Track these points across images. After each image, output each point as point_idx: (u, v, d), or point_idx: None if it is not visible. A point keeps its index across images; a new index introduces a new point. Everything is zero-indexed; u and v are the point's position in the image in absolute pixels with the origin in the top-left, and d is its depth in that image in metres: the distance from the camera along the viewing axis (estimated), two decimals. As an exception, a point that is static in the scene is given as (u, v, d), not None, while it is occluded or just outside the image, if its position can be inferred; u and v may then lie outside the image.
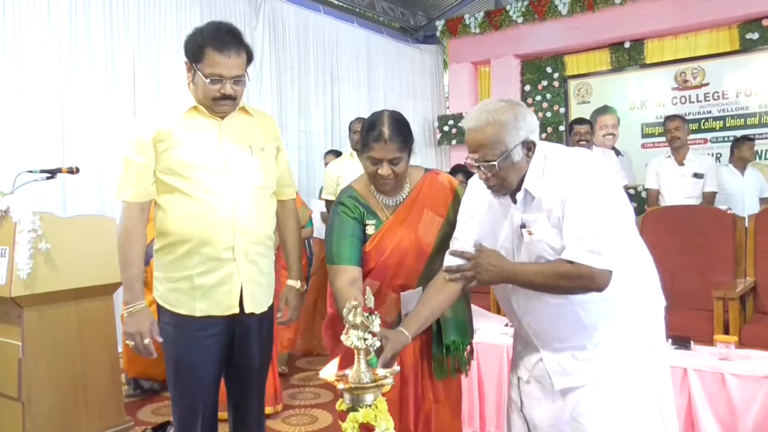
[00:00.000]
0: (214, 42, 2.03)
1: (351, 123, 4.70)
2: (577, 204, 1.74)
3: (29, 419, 2.91)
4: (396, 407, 2.11)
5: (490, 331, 3.25)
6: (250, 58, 2.14)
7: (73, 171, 3.19)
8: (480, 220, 1.99)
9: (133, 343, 2.09)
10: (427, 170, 2.26)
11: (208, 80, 2.04)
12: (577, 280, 1.74)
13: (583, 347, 1.89)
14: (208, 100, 2.09)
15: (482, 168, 1.80)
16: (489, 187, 1.87)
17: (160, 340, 2.14)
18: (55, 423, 3.02)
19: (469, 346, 2.28)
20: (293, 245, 2.44)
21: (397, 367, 1.57)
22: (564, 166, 1.81)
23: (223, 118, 2.16)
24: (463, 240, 2.00)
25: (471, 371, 3.08)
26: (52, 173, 3.12)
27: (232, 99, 2.10)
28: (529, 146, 1.82)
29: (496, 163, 1.77)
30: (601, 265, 1.72)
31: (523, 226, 1.85)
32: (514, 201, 1.87)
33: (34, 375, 2.95)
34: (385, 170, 2.06)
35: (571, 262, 1.73)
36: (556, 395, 1.94)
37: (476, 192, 2.01)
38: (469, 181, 2.08)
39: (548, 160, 1.84)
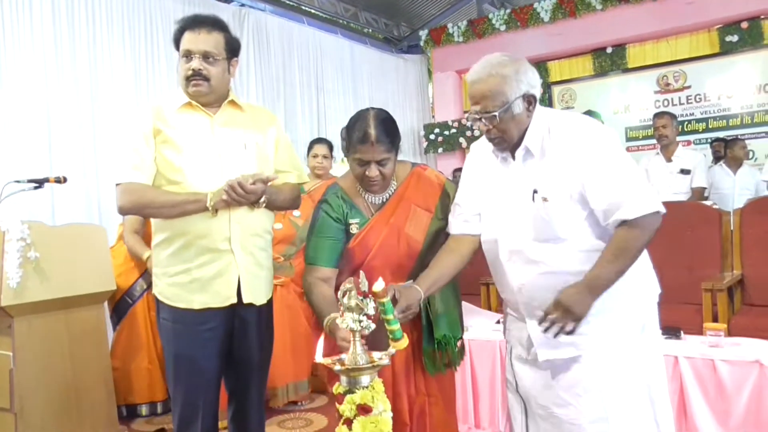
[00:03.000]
0: (188, 24, 2.13)
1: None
2: (604, 166, 1.78)
3: (21, 430, 2.88)
4: (390, 402, 2.11)
5: (482, 328, 3.26)
6: (232, 45, 2.18)
7: (60, 180, 3.19)
8: (484, 184, 2.01)
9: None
10: (414, 165, 2.24)
11: (181, 59, 2.11)
12: (647, 233, 1.77)
13: None
14: (183, 82, 2.13)
15: (483, 120, 1.84)
16: (490, 140, 1.91)
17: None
18: (47, 433, 3.00)
19: (460, 342, 2.26)
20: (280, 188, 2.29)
21: (392, 350, 1.58)
22: (573, 126, 1.86)
23: (214, 111, 2.18)
24: (463, 206, 2.04)
25: (464, 368, 3.11)
26: (40, 183, 3.12)
27: (204, 79, 2.11)
28: (529, 100, 1.86)
29: (497, 113, 1.80)
30: (655, 207, 1.76)
31: (535, 192, 1.86)
32: (514, 158, 1.90)
33: (26, 385, 2.93)
34: (372, 172, 2.03)
35: (628, 225, 1.76)
36: (549, 375, 1.94)
37: (478, 156, 2.05)
38: (471, 146, 2.12)
39: (553, 120, 1.88)
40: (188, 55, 2.11)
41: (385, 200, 2.16)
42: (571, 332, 1.80)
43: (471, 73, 1.88)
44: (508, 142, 1.88)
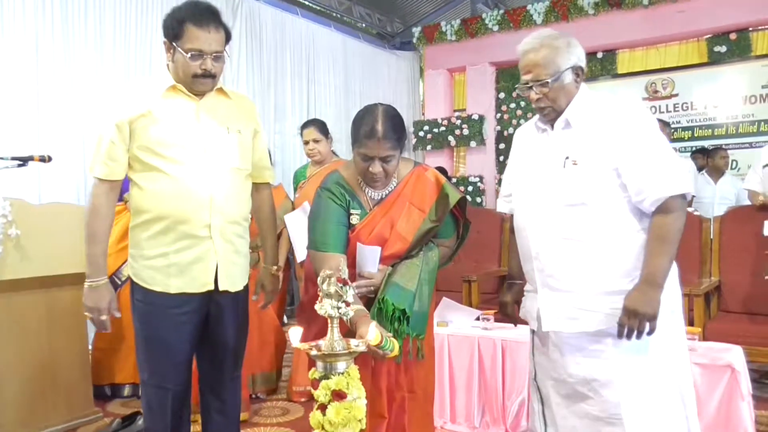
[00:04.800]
0: (194, 17, 2.05)
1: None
2: (641, 146, 1.84)
3: (-5, 407, 2.87)
4: (368, 397, 2.11)
5: (461, 324, 3.28)
6: (228, 37, 2.15)
7: (45, 159, 3.14)
8: (521, 158, 2.10)
9: (90, 315, 2.12)
10: (416, 164, 2.24)
11: (188, 56, 2.04)
12: (681, 215, 1.83)
13: (582, 292, 1.90)
14: (188, 78, 2.09)
15: (534, 88, 1.91)
16: (539, 109, 1.97)
17: (118, 315, 2.17)
18: (22, 412, 2.99)
19: (419, 340, 2.12)
20: (268, 231, 2.47)
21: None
22: (615, 103, 1.93)
23: (200, 97, 2.15)
24: (506, 185, 2.19)
25: (441, 363, 3.12)
26: (24, 161, 3.08)
27: (212, 77, 2.10)
28: (578, 72, 1.95)
29: (549, 81, 1.89)
30: (683, 189, 1.82)
31: (567, 158, 1.91)
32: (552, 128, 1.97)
33: (1, 363, 2.91)
34: (376, 168, 2.03)
35: (660, 212, 1.82)
36: (567, 366, 1.96)
37: (520, 136, 2.16)
38: (516, 130, 2.23)
39: (598, 96, 1.96)
40: (200, 54, 2.05)
41: (384, 196, 2.16)
42: (650, 333, 1.81)
43: (523, 44, 1.95)
44: (556, 111, 1.95)
